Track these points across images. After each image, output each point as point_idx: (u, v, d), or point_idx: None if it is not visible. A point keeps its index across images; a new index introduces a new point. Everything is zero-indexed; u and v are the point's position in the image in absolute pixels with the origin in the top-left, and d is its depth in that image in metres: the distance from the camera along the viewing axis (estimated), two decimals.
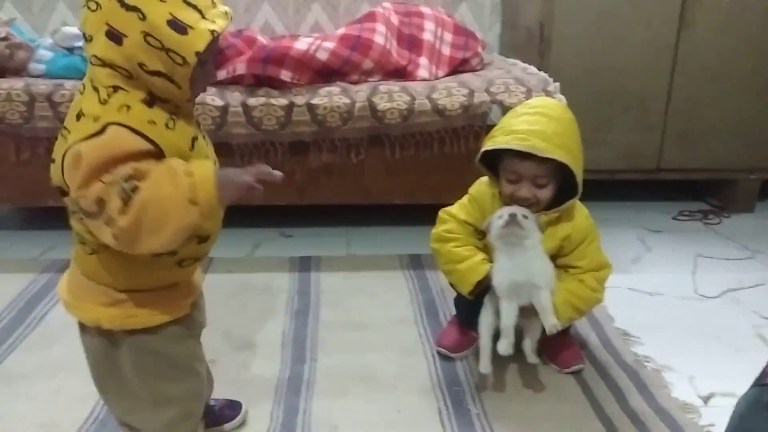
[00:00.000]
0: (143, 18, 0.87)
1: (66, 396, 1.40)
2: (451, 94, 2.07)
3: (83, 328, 1.04)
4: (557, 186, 1.37)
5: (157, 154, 0.90)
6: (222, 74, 2.07)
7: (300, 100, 2.03)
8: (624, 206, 2.56)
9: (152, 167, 0.89)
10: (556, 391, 1.46)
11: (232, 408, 1.33)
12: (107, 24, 0.88)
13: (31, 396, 1.40)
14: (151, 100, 0.92)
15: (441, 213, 1.50)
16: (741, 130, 2.44)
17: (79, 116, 0.91)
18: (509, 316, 1.37)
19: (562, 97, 2.05)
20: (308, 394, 1.41)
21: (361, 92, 2.06)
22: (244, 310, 1.76)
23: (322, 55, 2.09)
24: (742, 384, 1.45)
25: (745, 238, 2.32)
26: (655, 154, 2.46)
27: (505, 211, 1.35)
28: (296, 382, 1.44)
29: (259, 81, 2.08)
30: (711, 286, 1.96)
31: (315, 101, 2.03)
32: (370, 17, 2.28)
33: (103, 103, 0.90)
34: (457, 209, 1.48)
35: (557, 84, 2.11)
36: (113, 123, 0.88)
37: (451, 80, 2.17)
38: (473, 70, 2.34)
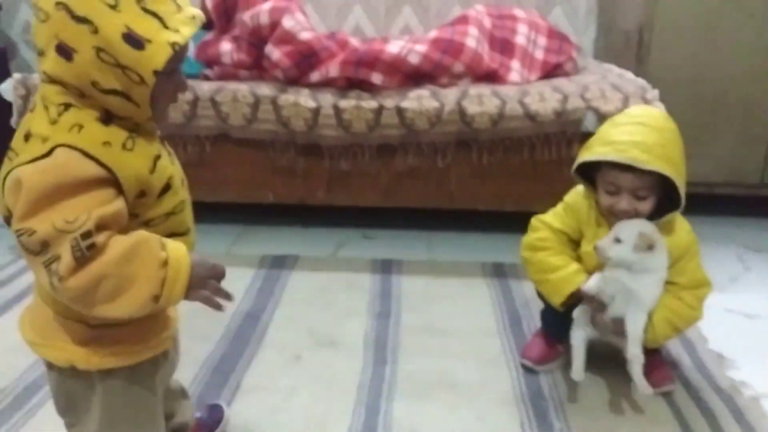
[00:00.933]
0: (95, 31, 0.78)
1: None
2: (544, 98, 2.03)
3: (51, 367, 0.93)
4: (658, 198, 1.32)
5: (111, 181, 0.81)
6: (316, 76, 2.12)
7: (389, 103, 2.05)
8: (723, 222, 2.43)
9: (118, 236, 0.81)
10: (644, 411, 1.40)
11: (216, 412, 1.30)
12: (56, 37, 0.79)
13: None
14: (107, 118, 0.83)
15: (533, 221, 1.48)
16: None
17: (27, 137, 0.82)
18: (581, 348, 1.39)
19: (661, 105, 1.97)
20: (389, 395, 1.42)
21: (450, 96, 2.06)
22: (327, 308, 1.79)
23: (414, 59, 2.10)
24: None
25: None
26: (759, 167, 2.32)
27: (627, 230, 1.30)
28: (378, 383, 1.46)
29: (350, 83, 2.11)
30: None
31: (404, 104, 2.04)
32: (463, 20, 2.26)
33: (53, 122, 0.81)
34: (552, 218, 1.45)
35: (656, 91, 2.03)
36: (62, 145, 0.79)
37: (544, 85, 2.14)
38: (567, 75, 2.29)
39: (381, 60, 2.07)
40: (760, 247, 2.25)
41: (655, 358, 1.51)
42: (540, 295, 1.53)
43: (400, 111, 2.04)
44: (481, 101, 2.04)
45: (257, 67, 2.21)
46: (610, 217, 1.36)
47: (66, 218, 0.77)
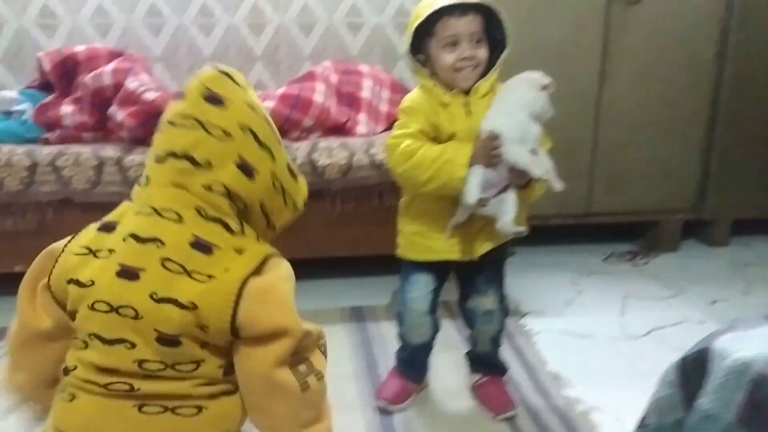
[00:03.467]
0: (273, 158, 0.91)
1: None
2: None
3: None
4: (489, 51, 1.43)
5: None
6: None
7: None
8: (557, 250, 2.68)
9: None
10: None
11: None
12: (239, 156, 0.88)
13: None
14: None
15: (390, 140, 1.46)
16: (662, 174, 2.60)
17: (205, 248, 0.85)
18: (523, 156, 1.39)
19: None
20: None
21: (301, 149, 2.14)
22: None
23: None
24: None
25: (670, 277, 2.45)
26: (584, 199, 2.59)
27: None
28: None
29: None
30: (638, 325, 2.07)
31: None
32: (310, 77, 2.37)
33: (239, 233, 0.89)
34: (403, 129, 1.44)
35: None
36: (270, 255, 0.92)
37: (388, 135, 2.27)
38: None
39: None
40: (590, 271, 2.51)
41: (498, 384, 1.65)
42: (400, 335, 1.63)
43: None
44: (330, 153, 2.13)
45: (101, 128, 2.17)
46: (453, 79, 1.41)
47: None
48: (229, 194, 0.88)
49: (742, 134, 2.60)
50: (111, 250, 0.88)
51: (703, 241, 2.79)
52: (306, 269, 2.43)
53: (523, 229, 1.44)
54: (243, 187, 0.88)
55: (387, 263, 2.21)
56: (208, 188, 0.87)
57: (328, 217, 2.20)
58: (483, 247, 1.51)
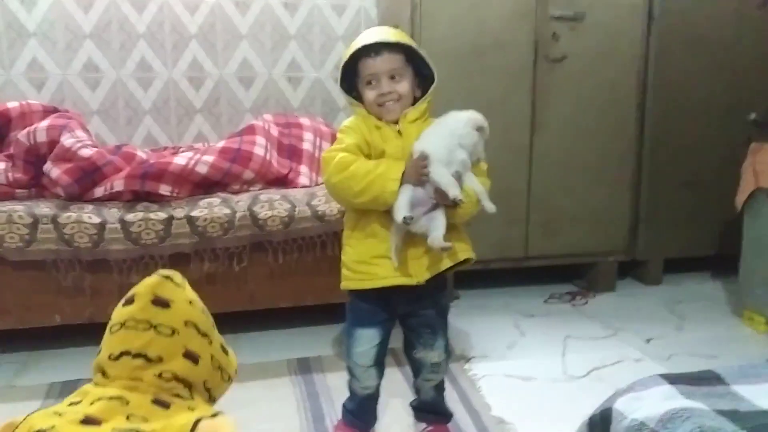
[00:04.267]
0: (211, 343, 1.05)
1: None
2: (330, 200, 2.18)
3: None
4: (411, 81, 1.52)
5: None
6: (99, 191, 2.09)
7: (179, 212, 2.08)
8: (499, 293, 2.74)
9: None
10: None
11: None
12: (185, 347, 1.01)
13: None
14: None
15: (325, 154, 1.52)
16: (594, 217, 2.71)
17: (167, 405, 0.99)
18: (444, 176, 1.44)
19: None
20: None
21: (241, 202, 2.14)
22: None
23: (202, 169, 2.16)
24: None
25: (608, 316, 2.53)
26: (522, 243, 2.67)
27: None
28: None
29: (138, 196, 2.11)
30: (578, 366, 2.12)
31: (195, 213, 2.08)
32: (250, 130, 2.39)
33: (188, 399, 1.02)
34: (339, 143, 1.51)
35: None
36: (221, 413, 1.02)
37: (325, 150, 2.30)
38: None
39: (168, 172, 2.10)
40: (532, 313, 2.56)
41: (441, 428, 1.66)
42: (349, 386, 1.63)
43: (191, 220, 2.07)
44: (272, 205, 2.14)
45: (36, 185, 2.13)
46: (379, 112, 1.51)
47: None
48: (178, 379, 1.01)
49: (668, 178, 2.75)
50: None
51: (638, 279, 2.91)
52: (249, 321, 2.43)
53: (449, 245, 1.46)
54: (189, 372, 1.02)
55: (331, 312, 2.22)
56: (159, 376, 1.00)
57: (271, 269, 2.20)
58: (428, 272, 1.52)
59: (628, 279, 2.92)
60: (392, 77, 1.49)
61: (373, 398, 1.64)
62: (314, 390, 1.95)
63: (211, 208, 2.10)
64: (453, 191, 1.42)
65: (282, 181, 2.34)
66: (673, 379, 1.05)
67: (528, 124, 2.58)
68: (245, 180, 2.24)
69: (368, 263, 1.52)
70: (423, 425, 1.68)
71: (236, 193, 2.21)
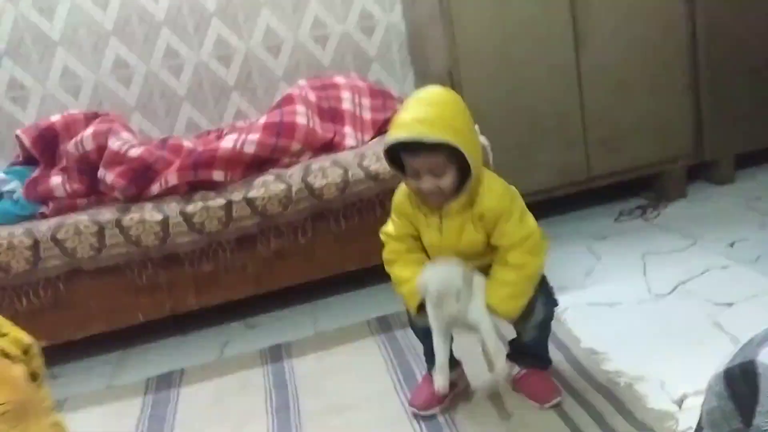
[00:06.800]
0: None
1: None
2: (380, 158, 2.13)
3: None
4: (460, 170, 1.40)
5: None
6: (156, 189, 2.10)
7: (237, 196, 2.07)
8: (567, 219, 2.67)
9: None
10: (540, 428, 1.50)
11: None
12: None
13: None
14: None
15: (381, 235, 1.58)
16: (655, 125, 2.58)
17: None
18: (441, 352, 1.47)
19: (484, 139, 2.15)
20: None
21: (294, 175, 2.12)
22: (225, 418, 1.76)
23: (250, 148, 2.14)
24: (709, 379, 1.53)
25: (684, 225, 2.43)
26: (583, 165, 2.57)
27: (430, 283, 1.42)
28: None
29: (193, 187, 2.11)
30: (663, 282, 2.05)
31: (252, 194, 2.07)
32: (288, 100, 2.34)
33: None
34: (391, 227, 1.57)
35: (477, 126, 2.20)
36: None
37: (377, 143, 2.25)
38: None
39: (218, 158, 2.09)
40: (604, 235, 2.49)
41: (541, 373, 1.63)
42: (415, 333, 1.62)
43: (249, 201, 2.07)
44: (324, 174, 2.12)
45: (94, 193, 2.16)
46: (423, 198, 1.45)
47: None
48: None
49: (727, 71, 2.58)
50: None
51: (710, 181, 2.78)
52: (322, 290, 2.45)
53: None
54: None
55: None
56: None
57: (335, 236, 2.19)
58: None
59: (699, 182, 2.79)
60: (435, 174, 1.39)
61: None
62: (398, 347, 1.95)
63: (266, 186, 2.09)
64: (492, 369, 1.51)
65: (329, 146, 2.31)
66: None
67: (571, 41, 2.44)
68: (293, 152, 2.21)
69: None
70: (516, 368, 1.64)
71: (287, 166, 2.19)
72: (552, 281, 2.17)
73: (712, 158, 2.70)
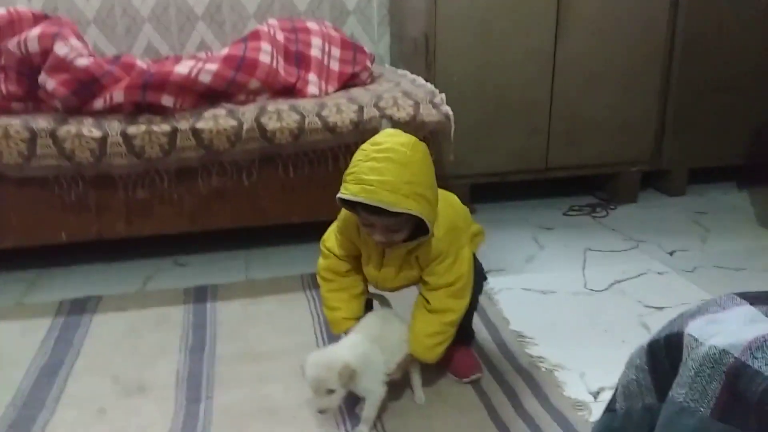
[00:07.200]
0: None
1: None
2: (341, 110, 2.06)
3: None
4: (414, 224, 1.34)
5: None
6: (99, 104, 1.98)
7: (184, 124, 1.97)
8: (517, 206, 2.65)
9: None
10: (455, 402, 1.48)
11: None
12: None
13: None
14: None
15: (321, 245, 1.53)
16: (619, 126, 2.58)
17: None
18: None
19: (448, 109, 2.10)
20: None
21: (248, 113, 2.03)
22: (135, 350, 1.68)
23: (205, 78, 2.03)
24: None
25: (630, 228, 2.45)
26: (542, 154, 2.56)
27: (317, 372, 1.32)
28: (191, 424, 1.39)
29: (139, 108, 2.00)
30: (599, 279, 2.06)
31: (200, 125, 1.98)
32: (255, 36, 2.23)
33: None
34: (333, 241, 1.51)
35: (443, 95, 2.15)
36: None
37: (340, 96, 2.17)
38: (363, 84, 2.35)
39: (170, 82, 1.98)
40: (551, 225, 2.49)
41: (463, 348, 1.61)
42: None
43: (196, 132, 1.97)
44: (280, 117, 2.03)
45: (32, 98, 2.02)
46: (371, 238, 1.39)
47: None
48: None
49: (699, 81, 2.59)
50: None
51: (661, 190, 2.80)
52: (262, 237, 2.38)
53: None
54: None
55: None
56: None
57: (282, 184, 2.11)
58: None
59: (651, 190, 2.81)
60: (390, 230, 1.32)
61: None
62: None
63: (216, 120, 1.99)
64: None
65: (290, 91, 2.22)
66: (752, 298, 0.89)
67: (552, 28, 2.40)
68: (251, 90, 2.12)
69: None
70: None
71: (242, 103, 2.09)
72: (492, 263, 2.18)
73: (668, 167, 2.72)
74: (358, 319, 1.49)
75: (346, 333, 1.47)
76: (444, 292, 1.41)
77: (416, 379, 1.49)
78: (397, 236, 1.34)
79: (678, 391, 0.78)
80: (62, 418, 1.42)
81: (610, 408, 0.96)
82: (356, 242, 1.46)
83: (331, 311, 1.51)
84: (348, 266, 1.50)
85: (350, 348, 1.37)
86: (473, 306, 1.58)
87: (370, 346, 1.38)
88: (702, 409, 0.76)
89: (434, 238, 1.37)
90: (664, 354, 0.86)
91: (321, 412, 1.33)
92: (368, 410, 1.37)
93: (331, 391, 1.29)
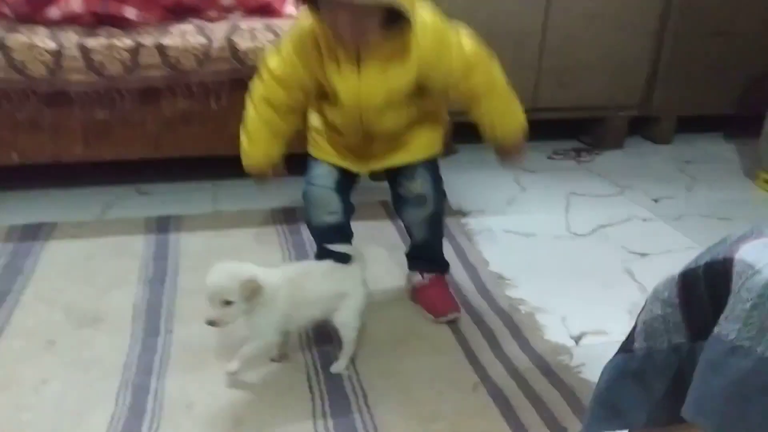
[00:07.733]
0: None
1: None
2: None
3: None
4: (386, 13, 1.17)
5: None
6: (54, 12, 1.80)
7: (148, 40, 1.81)
8: None
9: None
10: (430, 342, 1.41)
11: None
12: None
13: None
14: None
15: (261, 67, 1.34)
16: (612, 68, 2.46)
17: None
18: None
19: None
20: (161, 370, 1.27)
21: (218, 31, 1.87)
22: (90, 280, 1.57)
23: None
24: (610, 322, 1.48)
25: (615, 174, 2.37)
26: (530, 94, 2.44)
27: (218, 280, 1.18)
28: (148, 359, 1.30)
29: (100, 20, 1.83)
30: (583, 223, 1.99)
31: (165, 41, 1.82)
32: None
33: None
34: (276, 62, 1.31)
35: None
36: None
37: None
38: None
39: None
40: (534, 168, 2.39)
41: (440, 286, 1.53)
42: (307, 222, 1.50)
43: (161, 49, 1.81)
44: (254, 36, 1.88)
45: None
46: (339, 39, 1.22)
47: None
48: None
49: (693, 27, 2.47)
50: None
51: (647, 138, 2.72)
52: (232, 168, 2.21)
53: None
54: None
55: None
56: None
57: None
58: (377, 165, 1.42)
59: (637, 137, 2.73)
60: (357, 15, 1.14)
61: (338, 232, 1.44)
62: (301, 240, 1.81)
63: (184, 36, 1.83)
64: None
65: (265, 9, 2.04)
66: None
67: None
68: (223, 6, 1.95)
69: (322, 135, 1.43)
70: (417, 276, 1.54)
71: (213, 20, 1.93)
72: (472, 203, 2.09)
73: (657, 114, 2.63)
74: (273, 163, 1.41)
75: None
76: (477, 72, 1.32)
77: (348, 347, 1.31)
78: (368, 22, 1.17)
79: (728, 327, 0.66)
80: (8, 347, 1.32)
81: (626, 348, 0.83)
82: (314, 64, 1.27)
83: (250, 142, 1.38)
84: (288, 99, 1.32)
85: (264, 270, 1.24)
86: (438, 229, 1.53)
87: (285, 283, 1.25)
88: (761, 349, 0.64)
89: (428, 30, 1.23)
90: (703, 285, 0.73)
91: (210, 323, 1.16)
92: (347, 349, 1.29)
93: (228, 303, 1.16)
